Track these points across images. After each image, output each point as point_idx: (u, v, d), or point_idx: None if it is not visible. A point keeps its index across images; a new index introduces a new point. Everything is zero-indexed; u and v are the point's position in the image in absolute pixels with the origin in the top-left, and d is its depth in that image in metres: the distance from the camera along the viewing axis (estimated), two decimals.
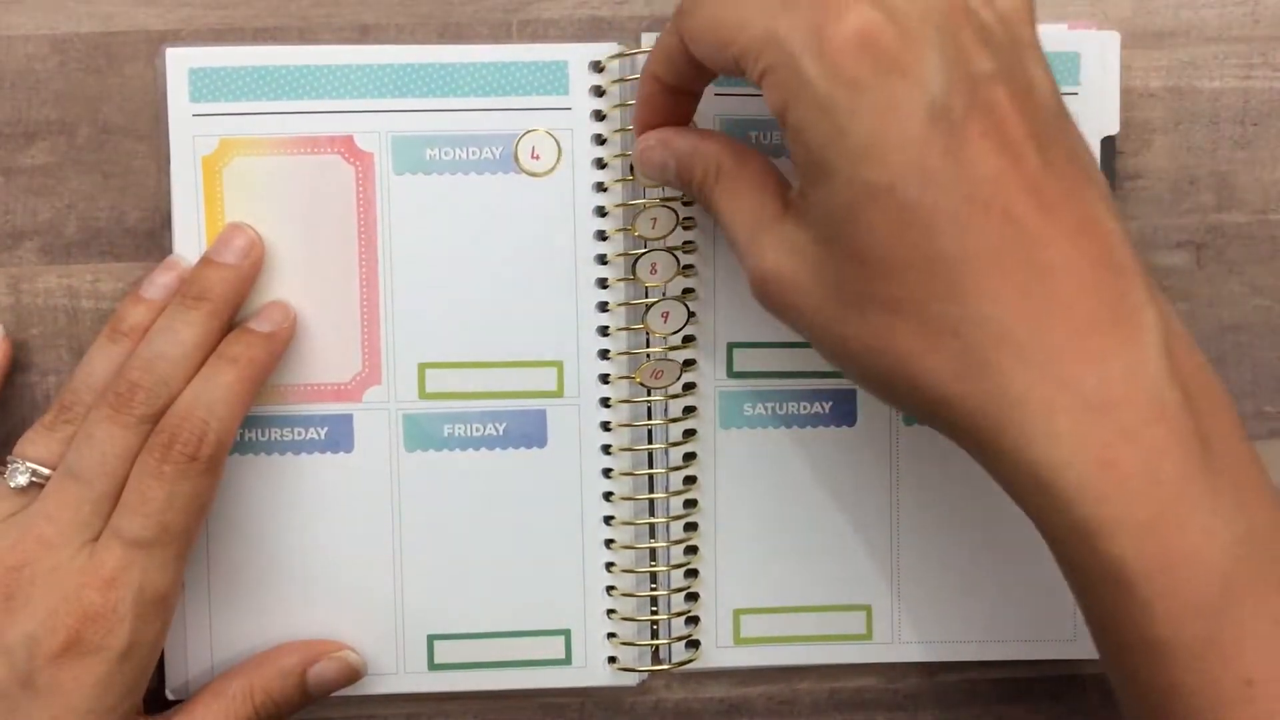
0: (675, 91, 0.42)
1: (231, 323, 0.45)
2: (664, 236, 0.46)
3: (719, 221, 0.41)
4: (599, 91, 0.46)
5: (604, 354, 0.47)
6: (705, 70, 0.40)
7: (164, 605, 0.42)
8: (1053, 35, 0.46)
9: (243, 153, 0.45)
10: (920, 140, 0.35)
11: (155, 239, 0.47)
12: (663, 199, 0.46)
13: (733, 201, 0.40)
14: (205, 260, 0.45)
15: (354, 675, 0.46)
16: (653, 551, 0.47)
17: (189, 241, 0.46)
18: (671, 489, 0.47)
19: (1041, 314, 0.35)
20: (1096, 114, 0.47)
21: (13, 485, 0.43)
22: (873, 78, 0.35)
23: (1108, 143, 0.47)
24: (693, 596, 0.47)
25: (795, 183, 0.38)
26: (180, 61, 0.45)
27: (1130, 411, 0.34)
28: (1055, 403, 0.34)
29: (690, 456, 0.47)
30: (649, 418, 0.47)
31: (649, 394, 0.46)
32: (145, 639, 0.42)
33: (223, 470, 0.43)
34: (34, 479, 0.43)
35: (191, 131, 0.45)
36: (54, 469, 0.43)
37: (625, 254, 0.46)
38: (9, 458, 0.43)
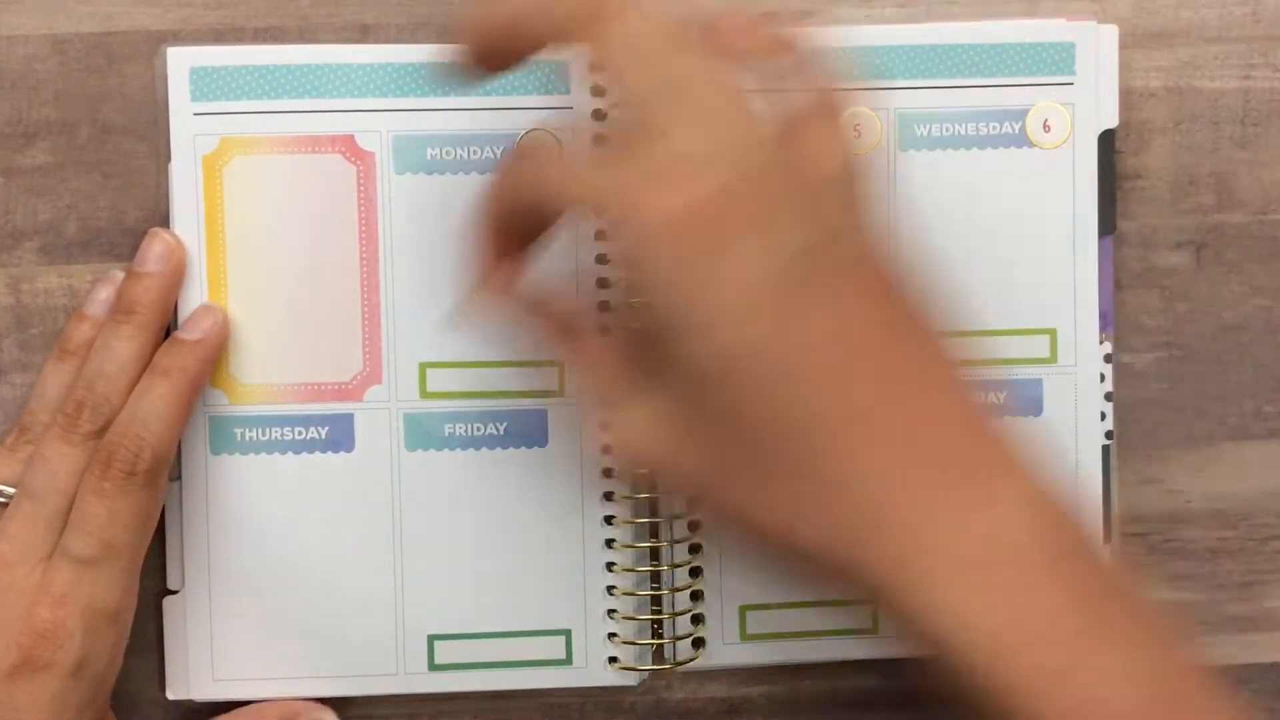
0: (514, 238, 0.41)
1: (164, 330, 0.45)
2: None
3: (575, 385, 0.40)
4: (599, 91, 0.46)
5: None
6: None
7: (115, 620, 0.43)
8: (1048, 27, 0.47)
9: (243, 152, 0.45)
10: (770, 306, 0.34)
11: None
12: None
13: (586, 368, 0.39)
14: (129, 273, 0.45)
15: None
16: (655, 551, 0.47)
17: (188, 241, 0.46)
18: None
19: (915, 470, 0.34)
20: (1093, 107, 0.47)
21: None
22: (712, 249, 0.34)
23: (1105, 138, 0.47)
24: (697, 595, 0.47)
25: (654, 349, 0.37)
26: (181, 60, 0.45)
27: (1011, 562, 0.34)
28: (934, 560, 0.34)
29: None
30: None
31: None
32: (97, 654, 0.42)
33: (165, 483, 0.44)
34: (2, 501, 0.44)
35: (192, 130, 0.45)
36: (9, 485, 0.44)
37: None
38: None
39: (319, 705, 0.47)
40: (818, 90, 0.38)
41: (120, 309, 0.44)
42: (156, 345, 0.44)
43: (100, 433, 0.43)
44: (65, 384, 0.44)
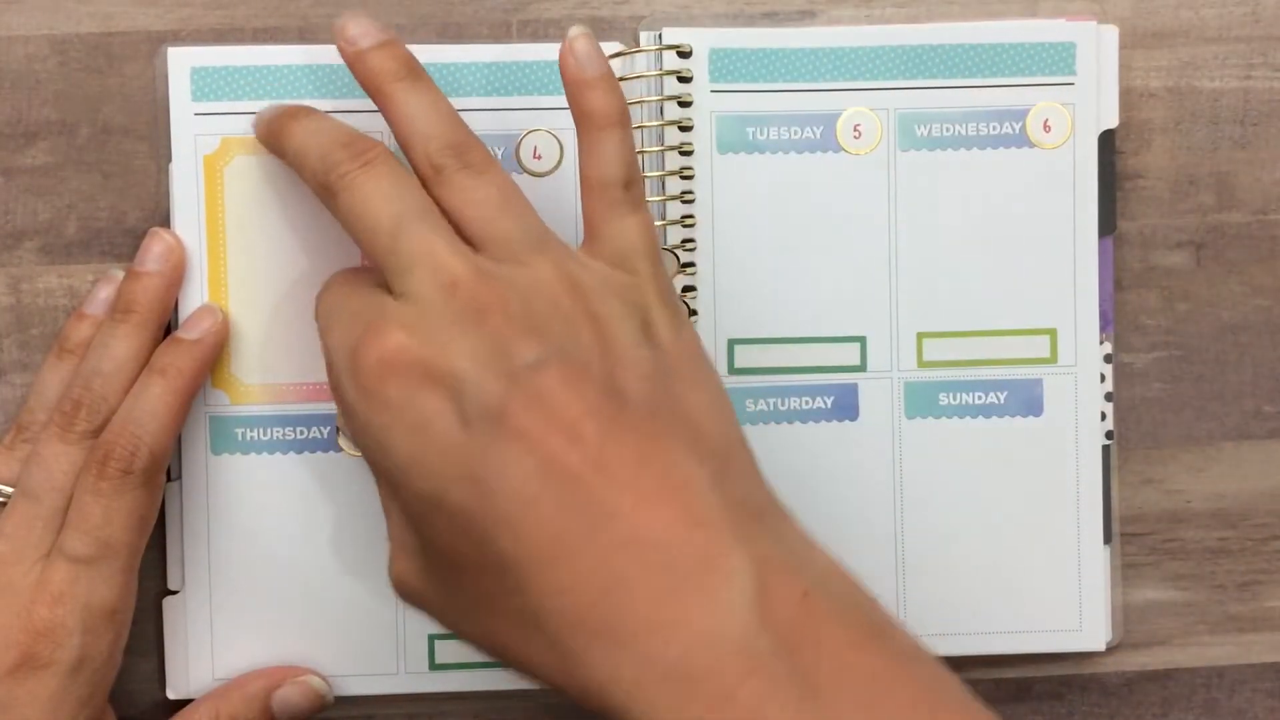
0: None
1: (162, 329, 0.45)
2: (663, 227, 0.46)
3: None
4: None
5: None
6: None
7: (113, 619, 0.43)
8: (1048, 28, 0.47)
9: (245, 151, 0.45)
10: (457, 449, 0.35)
11: None
12: (664, 197, 0.46)
13: (382, 498, 0.39)
14: (129, 272, 0.45)
15: (319, 700, 0.46)
16: None
17: (188, 240, 0.45)
18: None
19: (614, 591, 0.34)
20: (1093, 107, 0.47)
21: None
22: (402, 396, 0.35)
23: (1106, 137, 0.47)
24: None
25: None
26: (182, 60, 0.45)
27: (720, 674, 0.33)
28: (643, 680, 0.33)
29: None
30: None
31: None
32: (96, 652, 0.42)
33: (162, 482, 0.44)
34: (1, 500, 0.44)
35: (193, 130, 0.45)
36: (7, 484, 0.44)
37: None
38: None
39: (302, 669, 0.46)
40: (601, 169, 0.40)
41: (119, 308, 0.44)
42: (154, 345, 0.44)
43: (97, 432, 0.43)
44: (63, 382, 0.44)
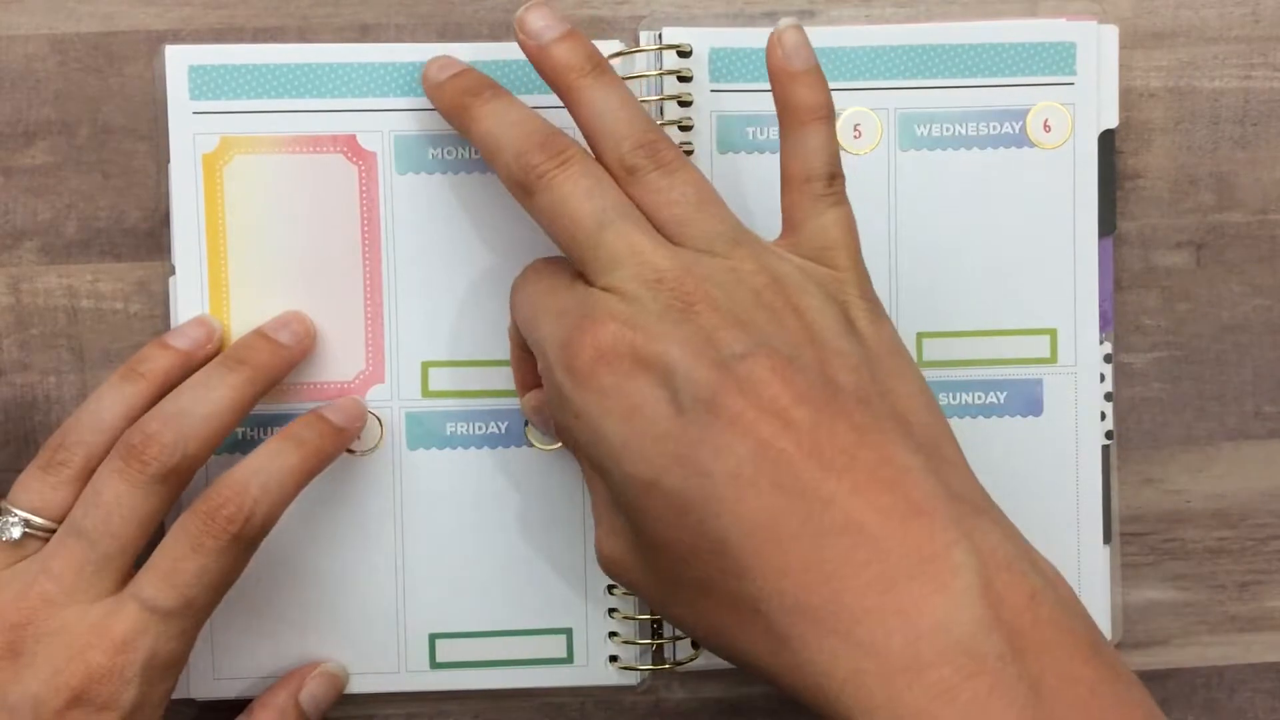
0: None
1: (261, 396, 0.44)
2: None
3: None
4: None
5: None
6: None
7: (174, 670, 0.41)
8: (1049, 27, 0.47)
9: (244, 151, 0.45)
10: (673, 434, 0.35)
11: (155, 239, 0.47)
12: None
13: (590, 482, 0.40)
14: (258, 332, 0.45)
15: (340, 682, 0.46)
16: None
17: (187, 240, 0.45)
18: None
19: (834, 578, 0.33)
20: (1094, 107, 0.47)
21: (4, 539, 0.41)
22: (617, 384, 0.36)
23: (1106, 137, 0.47)
24: None
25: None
26: (180, 58, 0.45)
27: (945, 668, 0.32)
28: (864, 670, 0.32)
29: None
30: None
31: None
32: (152, 700, 0.41)
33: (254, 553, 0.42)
34: (28, 530, 0.41)
35: (192, 129, 0.45)
36: (49, 518, 0.41)
37: None
38: (2, 503, 0.42)
39: (312, 663, 0.46)
40: (804, 161, 0.40)
41: (234, 356, 0.43)
42: (246, 410, 0.43)
43: (165, 477, 0.41)
44: (126, 407, 0.42)
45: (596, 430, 0.36)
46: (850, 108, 0.47)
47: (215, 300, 0.46)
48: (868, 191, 0.47)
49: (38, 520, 0.41)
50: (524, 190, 0.40)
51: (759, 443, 0.34)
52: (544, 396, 0.40)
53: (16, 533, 0.41)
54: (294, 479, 0.42)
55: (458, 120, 0.43)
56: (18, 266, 0.47)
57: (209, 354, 0.45)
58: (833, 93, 0.41)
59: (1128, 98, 0.48)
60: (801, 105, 0.40)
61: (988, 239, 0.47)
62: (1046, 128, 0.47)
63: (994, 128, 0.47)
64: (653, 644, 0.47)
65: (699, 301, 0.37)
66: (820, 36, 0.46)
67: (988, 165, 0.47)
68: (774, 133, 0.46)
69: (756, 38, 0.46)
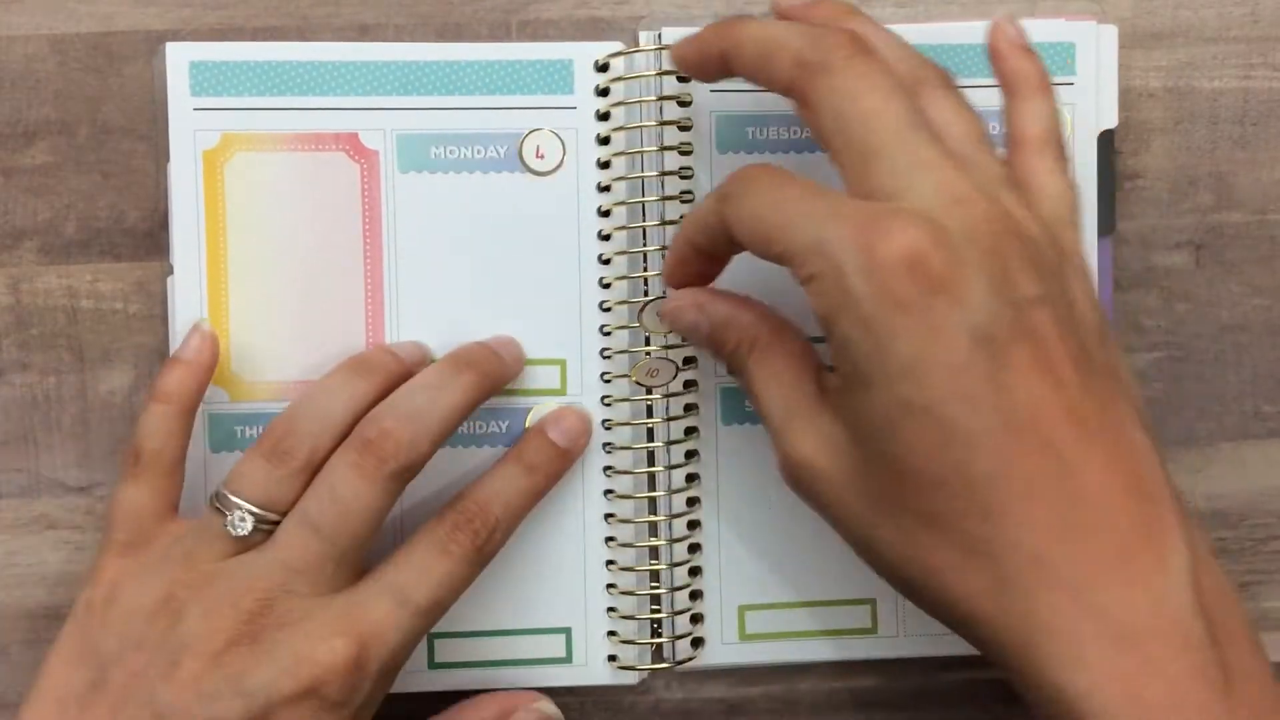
0: (709, 257, 0.42)
1: (479, 405, 0.44)
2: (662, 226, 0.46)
3: (749, 394, 0.41)
4: (603, 91, 0.46)
5: (606, 353, 0.47)
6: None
7: (395, 675, 0.42)
8: (1048, 27, 0.47)
9: (246, 148, 0.45)
10: (962, 364, 0.35)
11: (155, 239, 0.47)
12: (663, 196, 0.46)
13: (767, 379, 0.40)
14: (479, 342, 0.45)
15: None
16: (655, 549, 0.47)
17: (186, 238, 0.45)
18: (673, 486, 0.47)
19: (1074, 540, 0.34)
20: (1093, 107, 0.47)
21: (235, 534, 0.40)
22: (918, 299, 0.35)
23: (1105, 137, 0.47)
24: (696, 594, 0.47)
25: (833, 368, 0.38)
26: (182, 55, 0.45)
27: (1157, 642, 0.34)
28: (1083, 630, 0.34)
29: (692, 454, 0.47)
30: (650, 416, 0.47)
31: (648, 392, 0.46)
32: (374, 700, 0.41)
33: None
34: (259, 526, 0.41)
35: (192, 126, 0.45)
36: (276, 511, 0.41)
37: (627, 253, 0.46)
38: (223, 492, 0.41)
39: (537, 694, 0.46)
40: (1041, 126, 0.41)
41: (461, 359, 0.43)
42: (471, 413, 0.43)
43: (401, 475, 0.41)
44: (355, 402, 0.42)
45: (884, 344, 0.35)
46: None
47: (214, 300, 0.46)
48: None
49: (268, 515, 0.41)
50: (820, 70, 0.37)
51: (1036, 396, 0.35)
52: (707, 298, 0.41)
53: (247, 528, 0.41)
54: (527, 501, 0.44)
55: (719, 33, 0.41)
56: (18, 266, 0.47)
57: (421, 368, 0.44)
58: None
59: (1127, 98, 0.48)
60: (1033, 74, 0.42)
61: None
62: None
63: (994, 127, 0.47)
64: (652, 644, 0.47)
65: (1002, 234, 0.36)
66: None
67: None
68: (774, 132, 0.46)
69: None
